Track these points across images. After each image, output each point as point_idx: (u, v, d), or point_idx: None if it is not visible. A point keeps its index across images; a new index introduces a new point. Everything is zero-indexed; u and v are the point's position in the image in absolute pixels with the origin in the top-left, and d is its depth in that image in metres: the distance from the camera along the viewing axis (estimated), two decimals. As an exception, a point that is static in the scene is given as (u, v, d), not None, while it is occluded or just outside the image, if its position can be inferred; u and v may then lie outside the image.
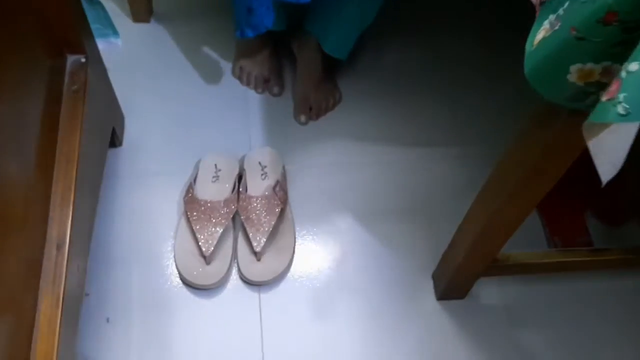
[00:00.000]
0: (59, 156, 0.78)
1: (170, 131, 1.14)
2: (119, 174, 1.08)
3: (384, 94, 1.22)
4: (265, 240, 0.98)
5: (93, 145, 0.91)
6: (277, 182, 1.03)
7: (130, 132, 1.13)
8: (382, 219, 1.07)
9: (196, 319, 0.96)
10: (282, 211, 1.02)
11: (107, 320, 0.95)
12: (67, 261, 0.72)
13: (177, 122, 1.16)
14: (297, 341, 0.96)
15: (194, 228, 0.98)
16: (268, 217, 1.00)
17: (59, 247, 0.72)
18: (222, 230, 0.98)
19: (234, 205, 1.01)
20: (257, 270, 0.98)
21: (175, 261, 0.99)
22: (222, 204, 1.00)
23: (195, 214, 0.99)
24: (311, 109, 1.17)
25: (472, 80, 1.25)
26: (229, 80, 1.22)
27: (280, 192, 1.02)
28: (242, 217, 1.00)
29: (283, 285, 1.00)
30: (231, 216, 1.00)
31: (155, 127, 1.14)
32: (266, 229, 0.99)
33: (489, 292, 1.01)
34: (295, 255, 1.02)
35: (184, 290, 0.98)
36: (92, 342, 0.93)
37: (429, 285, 1.01)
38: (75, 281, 0.76)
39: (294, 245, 1.02)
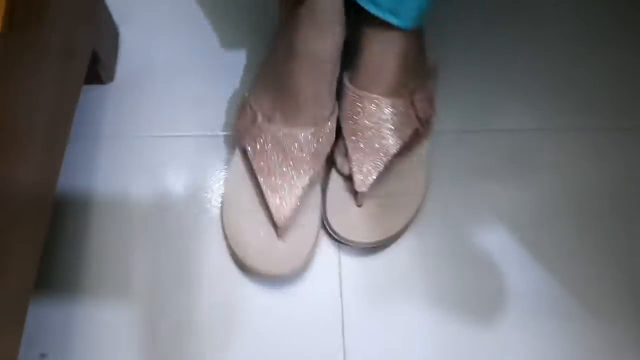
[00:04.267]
0: None
1: (196, 55, 0.68)
2: (106, 131, 0.64)
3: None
4: (375, 176, 0.55)
5: (44, 100, 0.46)
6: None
7: (129, 57, 0.67)
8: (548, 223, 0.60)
9: (261, 325, 0.56)
10: (418, 133, 0.58)
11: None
12: None
13: (205, 39, 0.69)
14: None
15: (260, 177, 0.55)
16: (392, 138, 0.56)
17: None
18: (308, 179, 0.55)
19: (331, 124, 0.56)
20: (352, 220, 0.57)
21: (225, 234, 0.58)
22: (311, 135, 0.55)
23: (262, 151, 0.56)
24: None
25: None
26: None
27: (424, 101, 0.58)
28: (343, 131, 0.57)
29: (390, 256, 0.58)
30: (326, 156, 0.56)
31: (172, 47, 0.68)
32: (382, 157, 0.56)
33: None
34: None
35: (242, 279, 0.57)
36: None
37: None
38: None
39: (423, 196, 0.59)
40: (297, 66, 0.54)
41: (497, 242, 0.59)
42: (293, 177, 0.55)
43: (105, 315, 0.55)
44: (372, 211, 0.57)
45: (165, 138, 0.63)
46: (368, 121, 0.56)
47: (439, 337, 0.55)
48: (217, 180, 0.61)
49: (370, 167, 0.55)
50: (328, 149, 0.56)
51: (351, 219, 0.56)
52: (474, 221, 0.60)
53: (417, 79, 0.58)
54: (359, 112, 0.56)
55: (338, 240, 0.57)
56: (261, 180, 0.55)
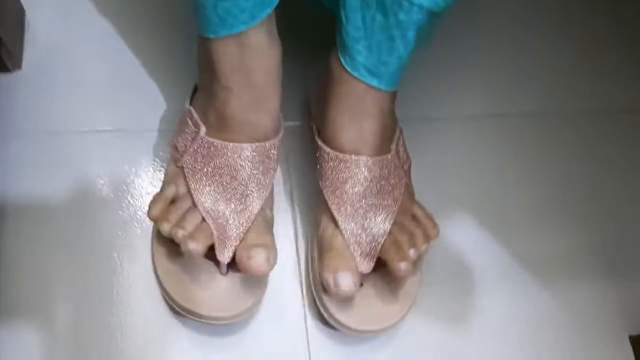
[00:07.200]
0: None
1: (110, 40, 0.59)
2: (15, 125, 0.54)
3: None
4: (376, 254, 0.46)
5: None
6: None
7: (38, 42, 0.58)
8: (535, 226, 0.57)
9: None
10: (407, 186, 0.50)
11: None
12: None
13: (121, 24, 0.60)
14: None
15: (200, 200, 0.46)
16: (389, 206, 0.47)
17: None
18: (261, 202, 0.46)
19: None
20: (354, 303, 0.47)
21: (156, 273, 0.48)
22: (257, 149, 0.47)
23: (204, 170, 0.46)
24: None
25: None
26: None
27: (403, 145, 0.51)
28: (330, 204, 0.47)
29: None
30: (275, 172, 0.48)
31: (85, 31, 0.59)
32: (381, 231, 0.47)
33: None
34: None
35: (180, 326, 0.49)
36: None
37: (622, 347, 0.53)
38: None
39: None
40: (234, 126, 0.46)
41: (470, 237, 0.55)
42: (243, 201, 0.45)
43: (19, 339, 0.47)
44: (370, 295, 0.47)
45: (81, 134, 0.55)
46: (359, 190, 0.47)
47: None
48: (146, 182, 0.54)
49: (370, 243, 0.46)
50: (276, 166, 0.48)
51: (352, 301, 0.47)
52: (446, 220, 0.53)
53: (395, 118, 0.51)
54: (347, 180, 0.47)
55: (326, 322, 0.48)
56: (204, 206, 0.45)
